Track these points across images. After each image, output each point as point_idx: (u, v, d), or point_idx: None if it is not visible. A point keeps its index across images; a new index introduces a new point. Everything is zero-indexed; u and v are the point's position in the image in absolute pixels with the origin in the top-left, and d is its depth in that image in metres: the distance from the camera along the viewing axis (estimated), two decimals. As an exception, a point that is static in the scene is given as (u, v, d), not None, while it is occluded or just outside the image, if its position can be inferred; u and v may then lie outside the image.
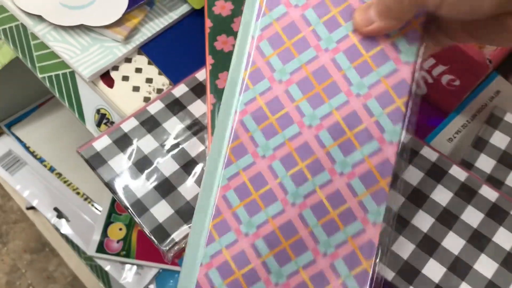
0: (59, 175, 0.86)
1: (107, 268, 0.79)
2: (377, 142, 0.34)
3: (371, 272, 0.33)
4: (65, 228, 0.83)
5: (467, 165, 0.47)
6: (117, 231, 0.80)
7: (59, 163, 0.87)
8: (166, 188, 0.42)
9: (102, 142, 0.44)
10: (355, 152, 0.34)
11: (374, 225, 0.33)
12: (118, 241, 0.79)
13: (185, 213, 0.41)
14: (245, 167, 0.35)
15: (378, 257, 0.33)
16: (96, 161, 0.43)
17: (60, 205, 0.84)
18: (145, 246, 0.79)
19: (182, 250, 0.41)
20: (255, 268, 0.34)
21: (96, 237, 0.79)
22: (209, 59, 0.47)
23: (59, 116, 0.92)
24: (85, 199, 0.85)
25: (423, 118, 0.51)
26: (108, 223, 0.81)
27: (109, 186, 0.42)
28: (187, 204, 0.42)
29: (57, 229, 0.84)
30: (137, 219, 0.41)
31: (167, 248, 0.40)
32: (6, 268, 1.23)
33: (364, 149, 0.34)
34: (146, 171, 0.43)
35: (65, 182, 0.86)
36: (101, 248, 0.79)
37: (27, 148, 0.88)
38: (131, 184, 0.42)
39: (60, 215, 0.84)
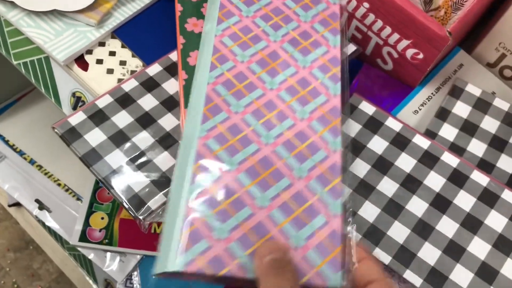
0: (40, 167, 0.87)
1: (91, 256, 0.80)
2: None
3: (341, 188, 0.39)
4: (47, 219, 0.84)
5: (431, 135, 0.49)
6: (99, 220, 0.81)
7: (39, 156, 0.88)
8: (141, 160, 0.44)
9: (77, 118, 0.45)
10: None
11: (335, 152, 0.41)
12: (100, 230, 0.81)
13: (160, 183, 0.43)
14: (221, 121, 0.41)
15: (343, 176, 0.40)
16: (71, 136, 0.45)
17: (41, 197, 0.85)
18: (127, 234, 0.81)
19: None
20: (241, 196, 0.38)
21: (79, 226, 0.81)
22: (180, 39, 0.49)
23: (38, 109, 0.93)
24: (66, 190, 0.86)
25: (390, 93, 0.54)
26: (90, 212, 0.82)
27: (84, 160, 0.44)
28: (163, 174, 0.44)
29: (40, 221, 0.85)
30: (113, 190, 0.43)
31: (143, 216, 0.42)
32: (-10, 267, 1.23)
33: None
34: (122, 145, 0.45)
35: (46, 174, 0.87)
36: (83, 237, 0.80)
37: (6, 141, 0.89)
38: (106, 157, 0.44)
39: (42, 206, 0.85)
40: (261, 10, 0.49)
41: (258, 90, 0.44)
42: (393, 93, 0.54)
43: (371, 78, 0.55)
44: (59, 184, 0.87)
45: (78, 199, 0.86)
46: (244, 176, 0.39)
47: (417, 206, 0.43)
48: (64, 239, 0.84)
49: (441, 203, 0.44)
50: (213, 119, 0.41)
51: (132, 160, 0.44)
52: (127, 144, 0.45)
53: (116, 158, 0.44)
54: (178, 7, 0.51)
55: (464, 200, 0.44)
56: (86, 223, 0.81)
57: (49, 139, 0.89)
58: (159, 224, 0.78)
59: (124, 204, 0.42)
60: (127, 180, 0.43)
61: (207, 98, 0.42)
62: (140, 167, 0.44)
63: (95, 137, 0.45)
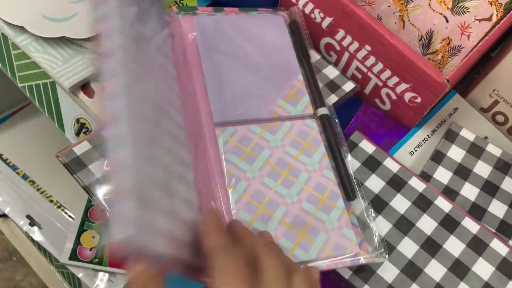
0: (32, 182, 0.88)
1: (80, 275, 0.80)
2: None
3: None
4: (37, 235, 0.84)
5: (426, 177, 0.51)
6: (90, 239, 0.82)
7: (32, 171, 0.88)
8: (144, 194, 0.45)
9: (82, 147, 0.46)
10: None
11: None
12: (91, 249, 0.81)
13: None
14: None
15: None
16: (75, 165, 0.45)
17: (32, 213, 0.85)
18: (118, 254, 0.81)
19: None
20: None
21: (69, 245, 0.81)
22: None
23: (33, 124, 0.94)
24: (58, 207, 0.86)
25: (387, 132, 0.56)
26: (81, 231, 0.82)
27: (88, 190, 0.45)
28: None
29: (29, 237, 0.85)
30: (115, 223, 0.43)
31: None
32: (-29, 278, 1.22)
33: None
34: (126, 177, 0.46)
35: (38, 189, 0.87)
36: (74, 256, 0.80)
37: (-1, 155, 0.89)
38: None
39: (33, 222, 0.85)
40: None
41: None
42: (390, 132, 0.56)
43: (369, 116, 0.57)
44: (51, 201, 0.87)
45: (70, 216, 0.86)
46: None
47: (408, 247, 0.45)
48: (53, 256, 0.84)
49: (431, 247, 0.45)
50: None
51: (136, 192, 0.45)
52: (131, 176, 0.46)
53: (120, 189, 0.45)
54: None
55: (454, 246, 0.45)
56: (77, 241, 0.81)
57: (43, 155, 0.89)
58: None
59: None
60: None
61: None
62: (143, 200, 0.45)
63: (100, 167, 0.46)
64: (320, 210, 0.43)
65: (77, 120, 0.53)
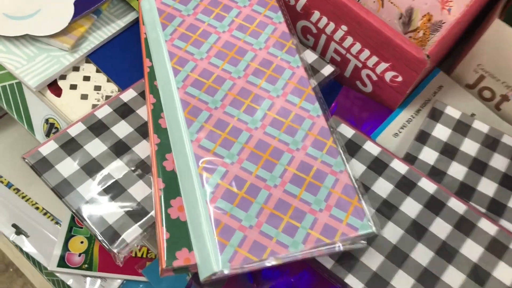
0: (17, 190, 0.87)
1: (70, 282, 0.79)
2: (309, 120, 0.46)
3: (335, 147, 0.44)
4: (25, 244, 0.83)
5: (412, 158, 0.49)
6: (78, 244, 0.81)
7: (16, 179, 0.87)
8: (115, 190, 0.44)
9: (48, 147, 0.45)
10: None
11: (318, 117, 0.46)
12: (79, 254, 0.80)
13: (135, 213, 0.43)
14: (205, 120, 0.44)
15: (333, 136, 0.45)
16: (42, 166, 0.44)
17: (18, 221, 0.84)
18: (108, 258, 0.80)
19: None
20: (252, 182, 0.41)
21: (57, 251, 0.80)
22: (146, 62, 0.49)
23: (14, 132, 0.93)
24: (45, 214, 0.85)
25: (369, 115, 0.54)
26: (69, 236, 0.81)
27: (56, 191, 0.43)
28: (138, 205, 0.44)
29: (17, 246, 0.84)
30: (86, 222, 0.42)
31: (118, 249, 0.41)
32: (-32, 291, 1.21)
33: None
34: (95, 175, 0.44)
35: (23, 197, 0.86)
36: (62, 263, 0.79)
37: (-18, 164, 0.88)
38: (79, 188, 0.44)
39: (19, 231, 0.83)
40: (200, 6, 0.52)
41: (227, 81, 0.47)
42: (372, 115, 0.54)
43: (350, 100, 0.55)
44: (37, 208, 0.86)
45: (57, 223, 0.85)
46: (248, 163, 0.42)
47: (392, 232, 0.44)
48: (42, 265, 0.83)
49: (417, 230, 0.44)
50: (197, 121, 0.44)
51: (106, 191, 0.44)
52: (101, 174, 0.45)
53: (89, 188, 0.44)
54: (143, 29, 0.51)
55: (440, 228, 0.44)
56: (65, 247, 0.80)
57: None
58: (140, 247, 0.78)
59: (98, 237, 0.42)
60: (100, 211, 0.43)
61: (183, 103, 0.45)
62: (114, 198, 0.44)
63: (67, 167, 0.44)
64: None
65: (46, 121, 0.52)
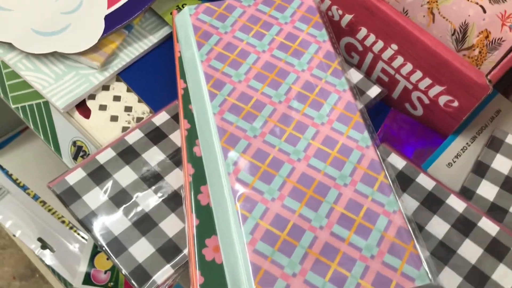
0: (43, 203, 0.85)
1: (94, 301, 0.77)
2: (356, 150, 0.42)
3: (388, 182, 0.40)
4: (50, 259, 0.81)
5: (468, 192, 0.45)
6: (104, 261, 0.78)
7: (43, 191, 0.85)
8: (146, 224, 0.41)
9: (75, 176, 0.42)
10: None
11: (368, 148, 0.42)
12: (105, 272, 0.78)
13: (167, 251, 0.40)
14: (244, 150, 0.41)
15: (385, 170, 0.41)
16: (69, 197, 0.42)
17: (44, 235, 0.82)
18: (134, 277, 0.77)
19: None
20: (296, 223, 0.38)
21: (83, 268, 0.78)
22: (181, 83, 0.46)
23: (42, 142, 0.91)
24: (71, 228, 0.83)
25: (419, 141, 0.50)
26: (95, 253, 0.79)
27: (83, 224, 0.41)
28: (170, 241, 0.40)
29: (43, 260, 0.82)
30: (114, 260, 0.39)
31: (147, 291, 0.38)
32: (-6, 296, 1.22)
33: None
34: (124, 206, 0.42)
35: (49, 210, 0.84)
36: (88, 280, 0.77)
37: (9, 175, 0.87)
38: (107, 221, 0.41)
39: (44, 245, 0.82)
40: (238, 22, 0.48)
41: (267, 106, 0.43)
42: (423, 141, 0.50)
43: (398, 123, 0.51)
44: (63, 222, 0.84)
45: (83, 237, 0.83)
46: (290, 200, 0.39)
47: (449, 279, 0.39)
48: (68, 281, 0.81)
49: (477, 278, 0.39)
50: (235, 150, 0.41)
51: (136, 225, 0.41)
52: (130, 206, 0.42)
53: (118, 222, 0.41)
54: (178, 47, 0.48)
55: (504, 275, 0.39)
56: (91, 264, 0.78)
57: (53, 174, 0.86)
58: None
59: (126, 276, 0.39)
60: (129, 248, 0.40)
61: (220, 130, 0.42)
62: (144, 233, 0.40)
63: (95, 198, 0.42)
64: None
65: (74, 143, 0.49)
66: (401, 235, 0.38)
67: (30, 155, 0.89)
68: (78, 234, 0.83)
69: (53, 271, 0.82)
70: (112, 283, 0.77)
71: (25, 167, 0.88)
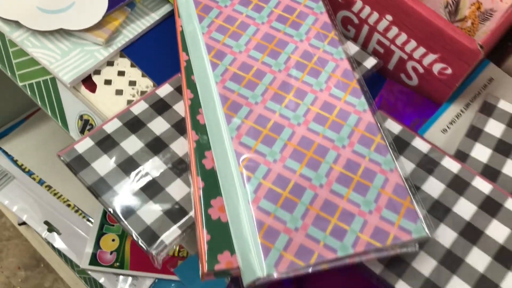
0: (49, 187, 0.87)
1: (101, 280, 0.79)
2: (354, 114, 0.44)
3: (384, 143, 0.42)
4: (57, 241, 0.83)
5: (463, 156, 0.47)
6: (110, 242, 0.80)
7: (48, 176, 0.87)
8: (153, 189, 0.43)
9: (84, 145, 0.44)
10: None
11: (365, 112, 0.44)
12: (111, 253, 0.79)
13: (174, 213, 0.41)
14: (246, 116, 0.43)
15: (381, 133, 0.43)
16: (77, 164, 0.43)
17: (50, 219, 0.84)
18: (139, 256, 0.79)
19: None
20: (297, 181, 0.40)
21: (89, 249, 0.80)
22: (183, 56, 0.47)
23: (47, 128, 0.93)
24: (76, 211, 0.85)
25: (415, 110, 0.51)
26: (100, 234, 0.81)
27: (92, 190, 0.42)
28: (176, 204, 0.42)
29: (50, 243, 0.84)
30: (123, 223, 0.41)
31: (157, 251, 0.40)
32: (0, 286, 1.23)
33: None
34: (132, 173, 0.43)
35: (55, 194, 0.86)
36: (94, 261, 0.79)
37: (14, 161, 0.88)
38: (115, 186, 0.42)
39: (51, 228, 0.84)
40: None
41: (267, 75, 0.45)
42: (418, 110, 0.52)
43: (394, 94, 0.53)
44: (68, 205, 0.86)
45: (88, 220, 0.85)
46: (291, 161, 0.41)
47: (445, 235, 0.41)
48: (74, 262, 0.83)
49: (471, 233, 0.41)
50: (237, 117, 0.43)
51: (143, 190, 0.42)
52: (138, 172, 0.43)
53: (126, 187, 0.42)
54: (179, 22, 0.50)
55: (497, 231, 0.41)
56: (97, 245, 0.80)
57: (58, 159, 0.88)
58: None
59: (135, 237, 0.40)
60: (138, 211, 0.41)
61: (222, 98, 0.44)
62: (151, 197, 0.42)
63: (103, 165, 0.43)
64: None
65: (81, 117, 0.51)
66: (398, 191, 0.39)
67: (34, 142, 0.91)
68: (84, 217, 0.85)
69: (60, 253, 0.84)
70: (118, 263, 0.79)
71: (30, 153, 0.89)
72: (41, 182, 0.87)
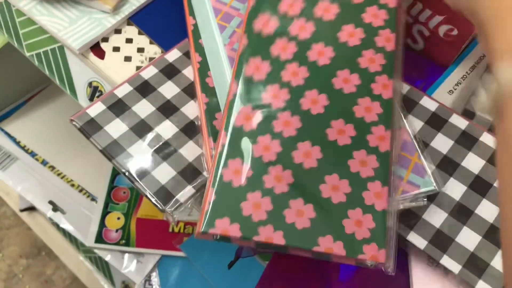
0: (52, 168, 0.87)
1: (108, 258, 0.79)
2: None
3: None
4: (62, 221, 0.83)
5: (470, 114, 0.48)
6: (115, 221, 0.81)
7: (51, 156, 0.88)
8: (166, 150, 0.43)
9: (96, 109, 0.44)
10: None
11: None
12: (116, 230, 0.80)
13: (188, 173, 0.42)
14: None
15: None
16: (90, 128, 0.43)
17: (55, 198, 0.84)
18: (145, 233, 0.80)
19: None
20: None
21: (94, 227, 0.80)
22: (190, 20, 0.48)
23: (49, 109, 0.93)
24: (80, 191, 0.85)
25: (422, 73, 0.52)
26: (105, 213, 0.82)
27: (106, 152, 0.43)
28: (189, 165, 0.43)
29: (54, 224, 0.84)
30: (138, 183, 0.42)
31: (172, 209, 0.41)
32: (2, 275, 1.23)
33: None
34: (145, 135, 0.44)
35: (58, 175, 0.87)
36: (99, 239, 0.80)
37: (17, 143, 0.89)
38: (129, 148, 0.43)
39: (55, 208, 0.84)
40: None
41: None
42: (424, 73, 0.52)
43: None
44: (72, 185, 0.86)
45: (93, 199, 0.85)
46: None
47: (455, 188, 0.42)
48: (79, 242, 0.83)
49: (480, 186, 0.42)
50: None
51: (157, 151, 0.43)
52: (150, 135, 0.44)
53: (140, 149, 0.43)
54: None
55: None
56: (102, 224, 0.81)
57: (61, 139, 0.88)
58: (177, 222, 0.77)
59: (150, 197, 0.41)
60: (152, 172, 0.42)
61: (231, 60, 0.44)
62: (165, 158, 0.43)
63: (116, 128, 0.44)
64: None
65: (90, 84, 0.51)
66: (406, 148, 0.40)
67: (36, 123, 0.91)
68: (88, 196, 0.85)
69: (65, 233, 0.85)
70: (123, 241, 0.79)
71: (32, 134, 0.90)
72: (44, 163, 0.87)
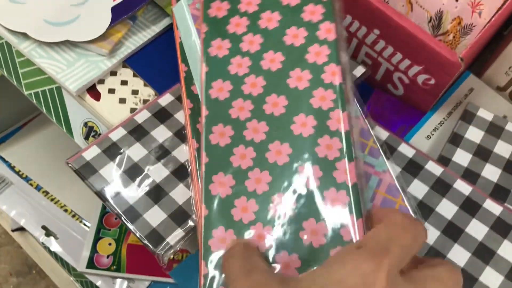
0: (46, 193, 0.89)
1: (98, 283, 0.81)
2: None
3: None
4: (54, 245, 0.85)
5: (445, 160, 0.50)
6: (106, 246, 0.83)
7: (45, 181, 0.89)
8: (157, 194, 0.45)
9: (91, 152, 0.47)
10: None
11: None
12: (108, 256, 0.82)
13: (178, 217, 0.44)
14: None
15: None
16: (86, 171, 0.46)
17: (48, 223, 0.86)
18: (135, 259, 0.82)
19: (172, 261, 0.43)
20: None
21: (86, 253, 0.82)
22: (182, 67, 0.50)
23: (44, 134, 0.95)
24: (73, 216, 0.87)
25: (401, 118, 0.55)
26: (97, 238, 0.83)
27: (100, 195, 0.45)
28: (180, 208, 0.45)
29: (46, 248, 0.86)
30: (130, 226, 0.44)
31: (162, 252, 0.43)
32: (-8, 292, 1.24)
33: None
34: (137, 179, 0.46)
35: (52, 200, 0.88)
36: (91, 264, 0.81)
37: (12, 167, 0.90)
38: (122, 191, 0.45)
39: (48, 233, 0.86)
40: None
41: None
42: (404, 118, 0.55)
43: (382, 103, 0.56)
44: (65, 210, 0.88)
45: (85, 225, 0.87)
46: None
47: (428, 234, 0.45)
48: (71, 266, 0.85)
49: (453, 231, 0.45)
50: None
51: (148, 194, 0.45)
52: (143, 178, 0.46)
53: (132, 192, 0.45)
54: (178, 34, 0.53)
55: (477, 229, 0.45)
56: (94, 249, 0.82)
57: (55, 165, 0.90)
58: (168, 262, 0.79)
59: (141, 239, 0.43)
60: (144, 215, 0.44)
61: None
62: (156, 201, 0.45)
63: (110, 172, 0.46)
64: None
65: (85, 124, 0.54)
66: (391, 191, 0.43)
67: (31, 148, 0.93)
68: (81, 222, 0.87)
69: (57, 257, 0.86)
70: (114, 266, 0.81)
71: (27, 160, 0.92)
72: (38, 188, 0.89)
